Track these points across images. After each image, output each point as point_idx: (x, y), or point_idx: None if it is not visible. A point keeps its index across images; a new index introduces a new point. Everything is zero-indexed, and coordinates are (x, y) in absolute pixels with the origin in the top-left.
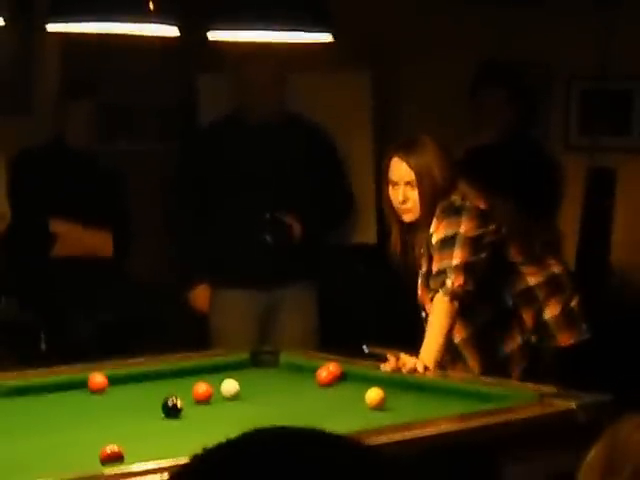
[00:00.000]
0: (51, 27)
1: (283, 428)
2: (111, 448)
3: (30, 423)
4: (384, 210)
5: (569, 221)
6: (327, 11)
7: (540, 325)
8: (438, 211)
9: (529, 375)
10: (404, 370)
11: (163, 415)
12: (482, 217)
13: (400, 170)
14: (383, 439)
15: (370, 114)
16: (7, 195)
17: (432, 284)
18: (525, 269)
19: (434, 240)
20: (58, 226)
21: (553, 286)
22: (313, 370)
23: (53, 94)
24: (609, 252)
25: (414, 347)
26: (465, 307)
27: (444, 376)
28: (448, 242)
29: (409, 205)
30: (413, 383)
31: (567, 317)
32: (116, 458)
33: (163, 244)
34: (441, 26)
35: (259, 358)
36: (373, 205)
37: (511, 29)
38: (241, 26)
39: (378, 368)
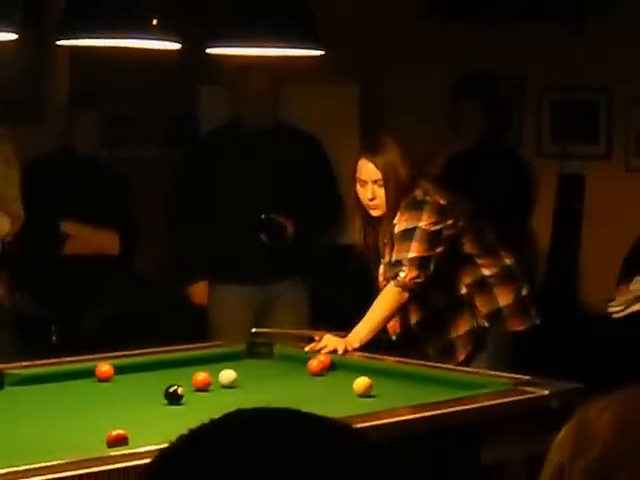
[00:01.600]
0: (61, 41)
1: (264, 408)
2: (117, 432)
3: (41, 409)
4: (350, 205)
5: (541, 223)
6: (317, 28)
7: (493, 312)
8: (402, 205)
9: (473, 359)
10: (324, 351)
11: (165, 402)
12: (441, 212)
13: (368, 170)
14: (369, 423)
15: (357, 123)
16: (21, 199)
17: (388, 272)
18: (480, 261)
19: (396, 231)
20: (68, 227)
21: (506, 276)
22: (305, 360)
23: (62, 105)
24: (579, 251)
25: None
26: (420, 295)
27: (425, 365)
28: (408, 234)
29: (377, 202)
30: (398, 372)
31: (519, 305)
32: (121, 441)
33: (165, 243)
34: (423, 42)
35: (255, 349)
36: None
37: (487, 45)
38: (238, 42)
39: (366, 358)
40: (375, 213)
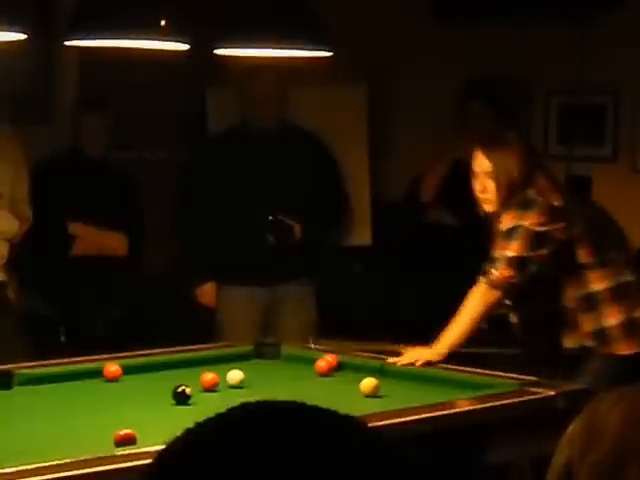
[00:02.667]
0: (69, 42)
1: (268, 401)
2: (125, 431)
3: (50, 409)
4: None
5: None
6: (325, 29)
7: (599, 331)
8: (512, 203)
9: (566, 377)
10: (417, 364)
11: (173, 402)
12: (552, 213)
13: (479, 161)
14: (376, 424)
15: (366, 124)
16: (30, 200)
17: (487, 267)
18: (592, 273)
19: (500, 229)
20: (76, 228)
21: (619, 294)
22: (312, 361)
23: (71, 106)
24: None
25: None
26: (520, 298)
27: (432, 367)
28: (510, 232)
29: (488, 195)
30: (404, 373)
31: (628, 326)
32: (129, 441)
33: (173, 245)
34: (431, 43)
35: (262, 350)
36: (368, 209)
37: (495, 47)
38: (245, 43)
39: (374, 359)
40: (486, 208)
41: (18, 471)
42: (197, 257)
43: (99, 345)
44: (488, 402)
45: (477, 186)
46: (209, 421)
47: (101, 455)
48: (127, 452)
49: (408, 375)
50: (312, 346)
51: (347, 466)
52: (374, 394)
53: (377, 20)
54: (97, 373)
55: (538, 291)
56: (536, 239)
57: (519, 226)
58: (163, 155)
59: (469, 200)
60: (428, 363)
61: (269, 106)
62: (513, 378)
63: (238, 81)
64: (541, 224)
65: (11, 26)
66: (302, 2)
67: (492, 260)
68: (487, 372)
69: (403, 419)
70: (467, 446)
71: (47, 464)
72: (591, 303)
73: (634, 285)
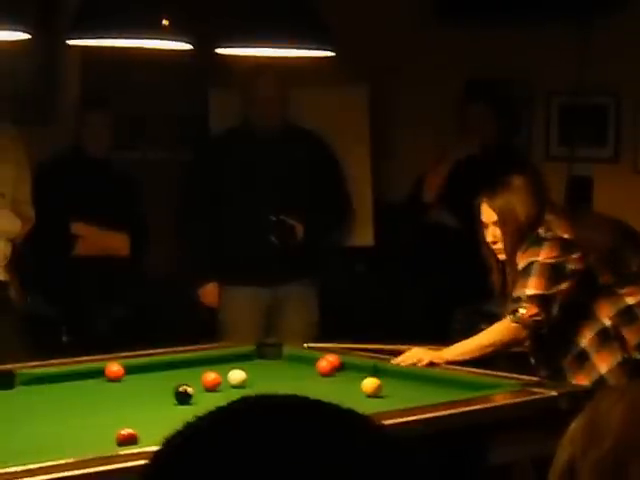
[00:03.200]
0: (72, 41)
1: (269, 395)
2: (126, 431)
3: (52, 408)
4: (484, 251)
5: None
6: (327, 29)
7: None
8: (524, 244)
9: None
10: (420, 365)
11: (175, 401)
12: (564, 246)
13: (486, 212)
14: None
15: (368, 125)
16: (32, 200)
17: (508, 307)
18: (621, 290)
19: (518, 271)
20: (79, 228)
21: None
22: (314, 361)
23: (74, 106)
24: None
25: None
26: (561, 332)
27: (433, 367)
28: (526, 270)
29: (500, 245)
30: (406, 373)
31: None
32: (131, 440)
33: (175, 245)
34: (433, 44)
35: (264, 350)
36: (370, 210)
37: (496, 48)
38: (248, 42)
39: (374, 359)
40: (501, 257)
41: (20, 471)
42: (199, 257)
43: (101, 345)
44: (490, 402)
45: (488, 237)
46: (210, 415)
47: (103, 455)
48: (129, 452)
49: (410, 375)
50: (305, 346)
51: (351, 460)
52: (376, 394)
53: (379, 21)
54: (99, 373)
55: (577, 320)
56: (554, 273)
57: (533, 262)
58: (166, 155)
59: (471, 201)
60: (430, 364)
61: (271, 107)
62: (515, 378)
63: (240, 82)
64: (555, 257)
65: (14, 26)
66: (304, 2)
67: (514, 300)
68: (489, 372)
69: (405, 419)
70: (469, 446)
71: (49, 464)
72: (631, 316)
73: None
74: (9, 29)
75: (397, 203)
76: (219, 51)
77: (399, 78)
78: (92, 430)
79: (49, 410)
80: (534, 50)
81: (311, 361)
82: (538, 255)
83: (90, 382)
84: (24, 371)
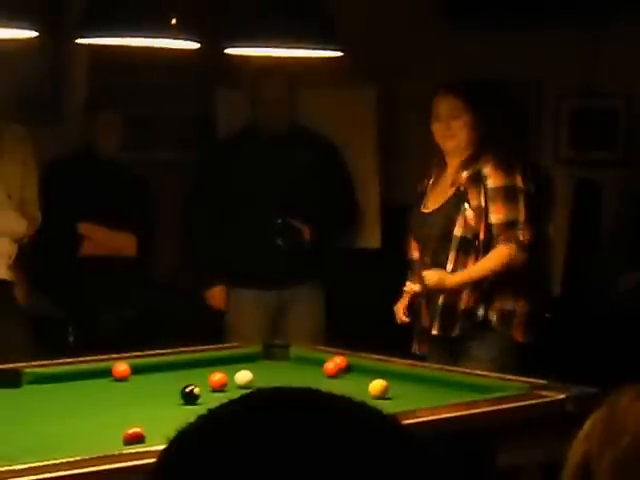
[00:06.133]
0: (80, 40)
1: (283, 389)
2: (133, 430)
3: (58, 407)
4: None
5: (559, 228)
6: (335, 29)
7: (506, 312)
8: (491, 158)
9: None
10: (428, 283)
11: (182, 401)
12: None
13: (447, 102)
14: None
15: (374, 126)
16: (39, 200)
17: (503, 235)
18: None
19: (491, 184)
20: (85, 229)
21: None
22: (321, 363)
23: (81, 106)
24: (595, 257)
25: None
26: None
27: (441, 369)
28: (510, 194)
29: (453, 132)
30: (413, 375)
31: (531, 316)
32: (138, 439)
33: (183, 246)
34: (441, 45)
35: (271, 351)
36: (378, 212)
37: (506, 50)
38: (256, 42)
39: (381, 361)
40: (450, 144)
41: (27, 468)
42: (207, 259)
43: (107, 345)
44: (498, 405)
45: (438, 127)
46: (223, 407)
47: (110, 453)
48: (135, 450)
49: (417, 377)
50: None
51: (368, 453)
52: (383, 396)
53: (389, 21)
54: (106, 372)
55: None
56: (530, 201)
57: (515, 188)
58: (173, 156)
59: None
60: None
61: (279, 108)
62: (523, 381)
63: (248, 84)
64: (525, 184)
65: (21, 24)
66: (313, 2)
67: (509, 224)
68: (496, 375)
69: (412, 421)
70: (477, 449)
71: (56, 461)
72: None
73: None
74: (16, 27)
75: (405, 205)
76: (227, 51)
77: (408, 79)
78: (99, 429)
79: (56, 409)
80: (545, 52)
81: (318, 362)
82: (515, 180)
83: (97, 382)
84: (31, 370)
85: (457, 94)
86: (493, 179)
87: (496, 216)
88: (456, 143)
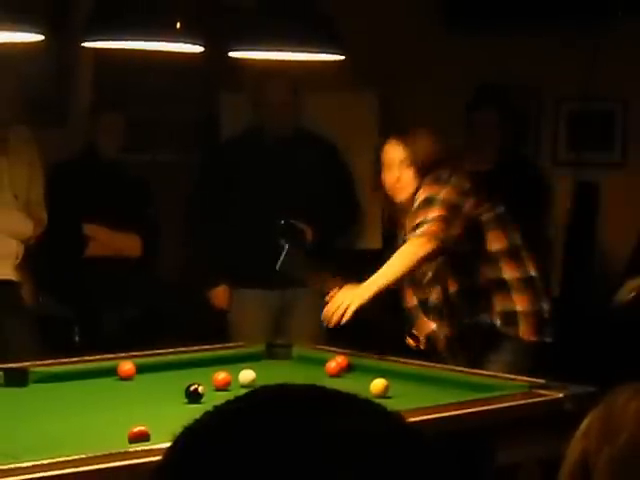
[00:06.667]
0: (85, 43)
1: (287, 385)
2: (138, 428)
3: (64, 406)
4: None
5: (557, 230)
6: (338, 33)
7: (508, 313)
8: (425, 181)
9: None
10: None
11: (186, 400)
12: (465, 191)
13: (394, 151)
14: None
15: (376, 130)
16: (45, 202)
17: (409, 236)
18: (503, 261)
19: (416, 204)
20: (91, 229)
21: (527, 285)
22: (323, 362)
23: (86, 108)
24: (593, 258)
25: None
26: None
27: (441, 368)
28: (428, 201)
29: (402, 184)
30: (414, 374)
31: (536, 316)
32: (142, 437)
33: (186, 247)
34: (442, 50)
35: (274, 350)
36: (379, 213)
37: (505, 55)
38: (259, 46)
39: (382, 360)
40: (399, 197)
41: (33, 466)
42: (210, 260)
43: (113, 345)
44: (497, 404)
45: (391, 177)
46: (229, 404)
47: (114, 451)
48: (140, 448)
49: (418, 376)
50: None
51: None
52: (384, 395)
53: (389, 27)
54: (111, 371)
55: (458, 266)
56: (454, 207)
57: (434, 197)
58: (177, 158)
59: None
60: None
61: (282, 111)
62: (522, 380)
63: (252, 87)
64: (455, 196)
65: (28, 27)
66: (316, 6)
67: (416, 226)
68: (495, 374)
69: (412, 420)
70: (476, 447)
71: (61, 459)
72: (503, 287)
73: (538, 280)
74: (23, 30)
75: None
76: (231, 54)
77: (409, 84)
78: (104, 427)
79: (61, 407)
80: (543, 57)
81: (320, 362)
82: (439, 192)
83: (102, 380)
84: (37, 369)
85: (407, 144)
86: (419, 197)
87: (410, 225)
88: (406, 195)
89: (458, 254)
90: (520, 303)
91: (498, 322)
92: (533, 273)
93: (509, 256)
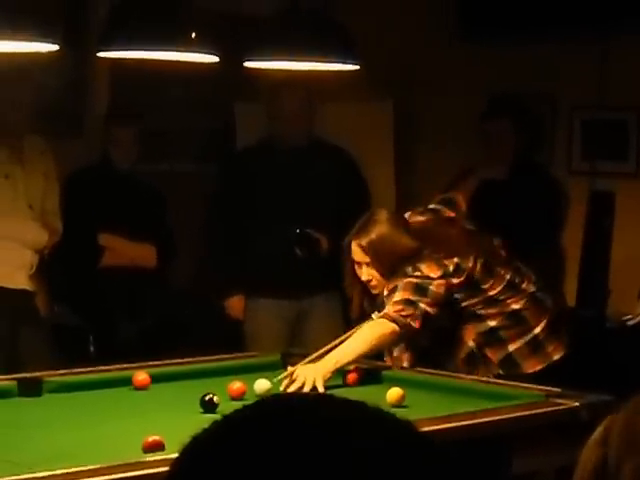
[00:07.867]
0: (102, 53)
1: (296, 394)
2: (153, 438)
3: (78, 416)
4: (345, 281)
5: (572, 240)
6: (353, 42)
7: (505, 358)
8: (391, 280)
9: None
10: (290, 389)
11: (201, 410)
12: (430, 277)
13: (357, 253)
14: None
15: (391, 140)
16: (60, 212)
17: (373, 315)
18: (484, 311)
19: (385, 292)
20: (106, 240)
21: (513, 322)
22: (340, 371)
23: (101, 118)
24: (608, 268)
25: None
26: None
27: (457, 377)
28: (392, 290)
29: (374, 282)
30: (430, 383)
31: (530, 346)
32: (157, 447)
33: (201, 257)
34: (456, 60)
35: (289, 360)
36: None
37: (519, 64)
38: (274, 56)
39: (398, 370)
40: (374, 292)
41: (48, 476)
42: (226, 270)
43: (127, 355)
44: (513, 413)
45: (364, 277)
46: (237, 413)
47: (129, 461)
48: (155, 458)
49: (434, 385)
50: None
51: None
52: (400, 404)
53: (404, 37)
54: (126, 381)
55: (442, 341)
56: (417, 288)
57: (397, 285)
58: (193, 168)
59: (494, 219)
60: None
61: (297, 121)
62: (538, 389)
63: (267, 98)
64: (418, 277)
65: (43, 38)
66: (331, 17)
67: (381, 312)
68: (512, 383)
69: (428, 429)
70: (492, 456)
71: (76, 469)
72: (492, 336)
73: (525, 310)
74: (39, 41)
75: None
76: (246, 64)
77: (424, 94)
78: (119, 437)
79: (76, 417)
80: (557, 66)
81: (338, 371)
82: (402, 281)
83: (117, 390)
84: (51, 379)
85: (367, 248)
86: (385, 291)
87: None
88: (380, 289)
89: (442, 330)
90: (511, 343)
91: (501, 372)
92: (515, 306)
93: (487, 304)
